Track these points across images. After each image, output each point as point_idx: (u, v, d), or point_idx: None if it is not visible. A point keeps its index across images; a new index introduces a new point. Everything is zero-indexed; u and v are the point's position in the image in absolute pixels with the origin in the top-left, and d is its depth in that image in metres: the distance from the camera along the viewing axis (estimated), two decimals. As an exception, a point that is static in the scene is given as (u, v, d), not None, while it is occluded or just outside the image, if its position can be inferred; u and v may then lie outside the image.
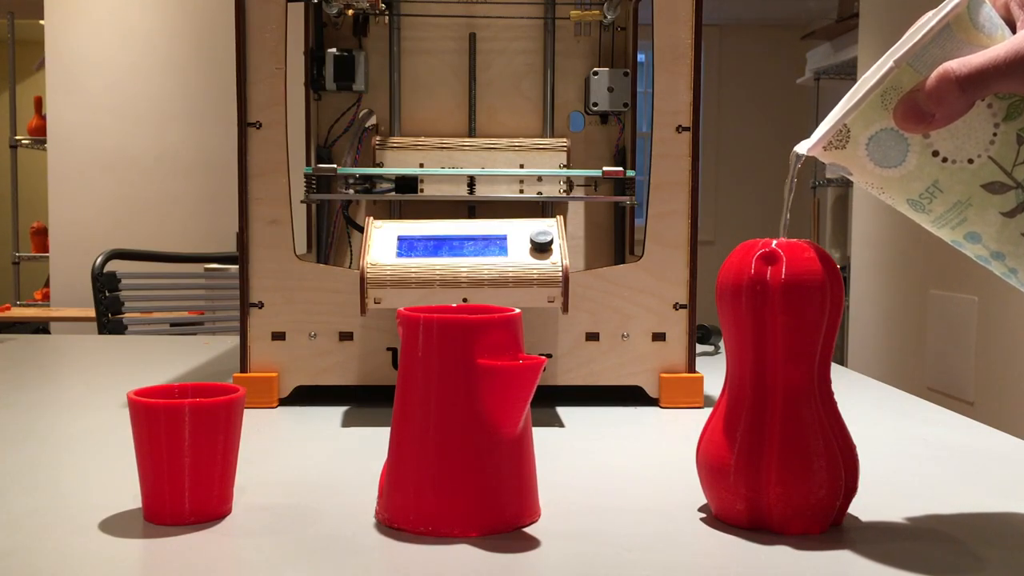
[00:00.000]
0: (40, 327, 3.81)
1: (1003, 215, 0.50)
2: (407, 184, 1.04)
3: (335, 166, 1.01)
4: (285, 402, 0.97)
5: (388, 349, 0.98)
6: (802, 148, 0.55)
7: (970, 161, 0.50)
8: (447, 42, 1.11)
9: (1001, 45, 0.49)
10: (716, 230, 5.80)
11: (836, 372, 1.22)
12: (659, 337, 0.98)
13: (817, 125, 0.55)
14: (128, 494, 0.65)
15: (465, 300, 0.89)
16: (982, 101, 0.49)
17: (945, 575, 0.53)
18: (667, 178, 0.97)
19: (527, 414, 0.59)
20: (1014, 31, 0.51)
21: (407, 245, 0.93)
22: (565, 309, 0.91)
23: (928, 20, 0.50)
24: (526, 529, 0.59)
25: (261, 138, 0.95)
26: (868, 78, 0.51)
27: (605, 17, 1.08)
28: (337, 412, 0.95)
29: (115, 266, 2.30)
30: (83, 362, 1.34)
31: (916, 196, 0.52)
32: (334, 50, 1.08)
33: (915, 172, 0.51)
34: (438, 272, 0.90)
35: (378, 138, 1.08)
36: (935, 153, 0.50)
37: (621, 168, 1.03)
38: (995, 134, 0.49)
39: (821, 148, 0.53)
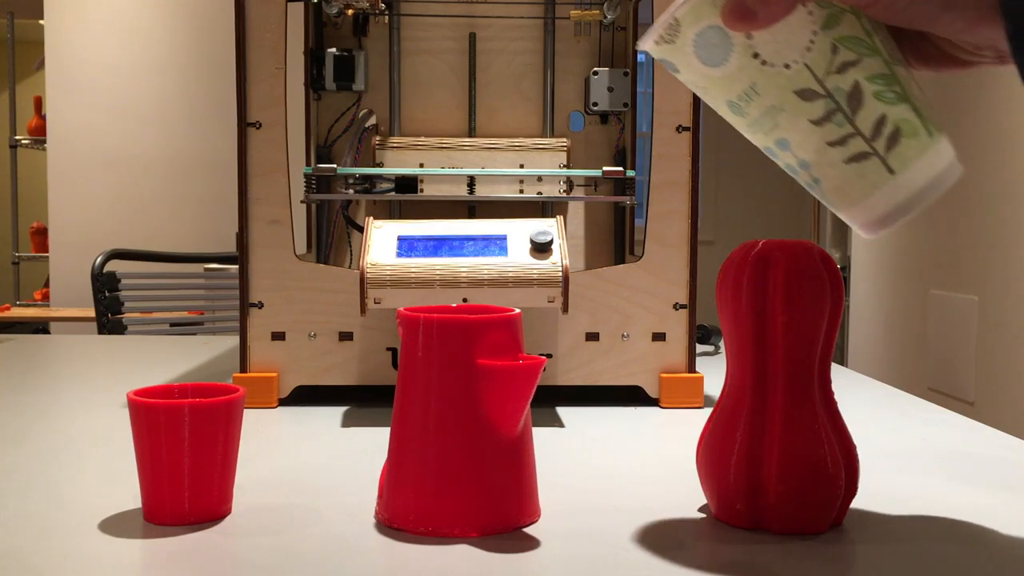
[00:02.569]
0: (40, 327, 3.81)
1: (812, 123, 0.51)
2: (407, 184, 1.04)
3: (335, 166, 1.01)
4: (285, 402, 0.97)
5: (388, 349, 0.98)
6: (640, 44, 0.56)
7: (787, 66, 0.51)
8: (447, 42, 1.11)
9: None
10: (716, 230, 5.80)
11: (836, 372, 1.22)
12: (659, 337, 0.98)
13: None
14: (128, 494, 0.65)
15: (465, 300, 0.89)
16: (804, 7, 0.50)
17: (945, 575, 0.53)
18: (667, 178, 0.97)
19: (527, 414, 0.59)
20: None
21: (407, 245, 0.93)
22: (565, 309, 0.91)
23: None
24: (526, 529, 0.59)
25: (261, 138, 0.95)
26: None
27: (605, 17, 1.08)
28: (337, 412, 0.95)
29: (115, 266, 2.31)
30: (83, 362, 1.34)
31: (735, 98, 0.52)
32: (334, 50, 1.08)
33: (736, 73, 0.51)
34: (438, 272, 0.90)
35: (378, 138, 1.08)
36: (755, 55, 0.51)
37: (621, 168, 1.03)
38: (812, 41, 0.50)
39: (652, 42, 0.53)
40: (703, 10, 0.50)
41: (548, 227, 0.94)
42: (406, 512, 0.58)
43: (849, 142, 0.51)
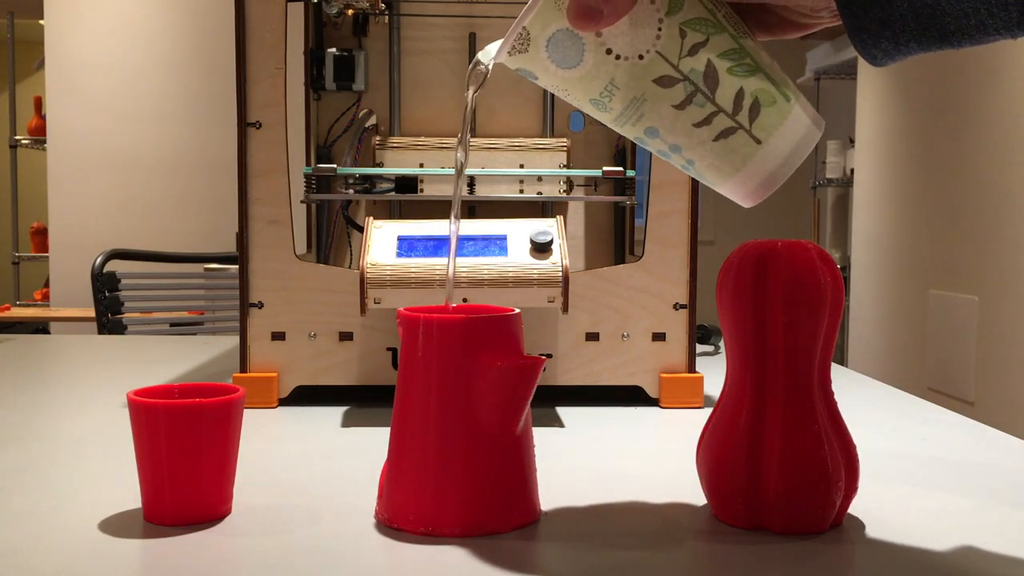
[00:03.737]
0: (40, 327, 3.81)
1: (674, 108, 0.52)
2: (407, 184, 1.04)
3: (335, 166, 1.01)
4: (285, 402, 0.97)
5: (388, 349, 0.98)
6: (487, 56, 0.56)
7: (640, 57, 0.52)
8: (447, 42, 1.11)
9: None
10: (716, 230, 5.80)
11: (836, 372, 1.22)
12: (659, 337, 0.98)
13: None
14: (128, 494, 0.65)
15: (465, 300, 0.89)
16: None
17: (945, 575, 0.53)
18: (667, 178, 0.97)
19: (527, 414, 0.59)
20: None
21: (407, 245, 0.93)
22: (565, 309, 0.91)
23: None
24: (526, 529, 0.59)
25: (261, 138, 0.95)
26: None
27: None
28: (337, 412, 0.95)
29: (115, 266, 2.30)
30: (83, 362, 1.34)
31: (597, 95, 0.53)
32: (334, 50, 1.08)
33: (593, 71, 0.52)
34: (438, 272, 0.90)
35: (378, 138, 1.08)
36: (609, 51, 0.52)
37: (621, 168, 1.03)
38: (660, 29, 0.51)
39: (506, 54, 0.54)
40: (549, 15, 0.51)
41: (548, 227, 0.94)
42: (406, 512, 0.58)
43: (714, 120, 0.52)
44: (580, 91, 0.53)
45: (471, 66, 0.58)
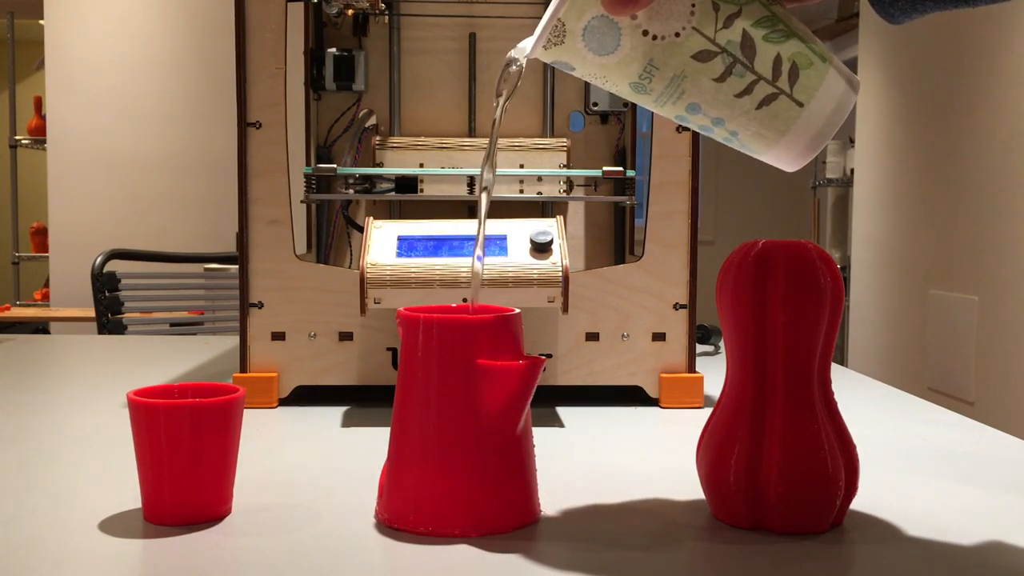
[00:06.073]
0: (40, 327, 3.81)
1: (715, 81, 0.53)
2: (407, 184, 1.04)
3: (335, 166, 1.01)
4: (285, 402, 0.97)
5: (388, 349, 0.98)
6: (521, 52, 0.56)
7: (677, 35, 0.52)
8: (447, 42, 1.11)
9: None
10: (716, 230, 5.80)
11: (836, 372, 1.22)
12: (659, 337, 0.98)
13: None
14: (128, 494, 0.65)
15: (465, 300, 0.89)
16: None
17: (945, 574, 0.53)
18: (667, 178, 0.98)
19: (527, 414, 0.59)
20: None
21: (407, 245, 0.93)
22: (565, 309, 0.91)
23: None
24: (526, 529, 0.59)
25: (261, 138, 0.95)
26: None
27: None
28: (337, 412, 0.95)
29: (115, 266, 2.30)
30: (83, 362, 1.34)
31: (636, 78, 0.54)
32: (334, 50, 1.08)
33: (630, 55, 0.53)
34: (438, 272, 0.90)
35: (378, 138, 1.08)
36: (645, 32, 0.52)
37: (621, 168, 1.03)
38: (694, 5, 0.52)
39: (542, 48, 0.54)
40: (583, 4, 0.51)
41: (548, 227, 0.94)
42: (406, 512, 0.59)
43: (755, 89, 0.53)
44: (619, 76, 0.54)
45: (503, 68, 0.58)
